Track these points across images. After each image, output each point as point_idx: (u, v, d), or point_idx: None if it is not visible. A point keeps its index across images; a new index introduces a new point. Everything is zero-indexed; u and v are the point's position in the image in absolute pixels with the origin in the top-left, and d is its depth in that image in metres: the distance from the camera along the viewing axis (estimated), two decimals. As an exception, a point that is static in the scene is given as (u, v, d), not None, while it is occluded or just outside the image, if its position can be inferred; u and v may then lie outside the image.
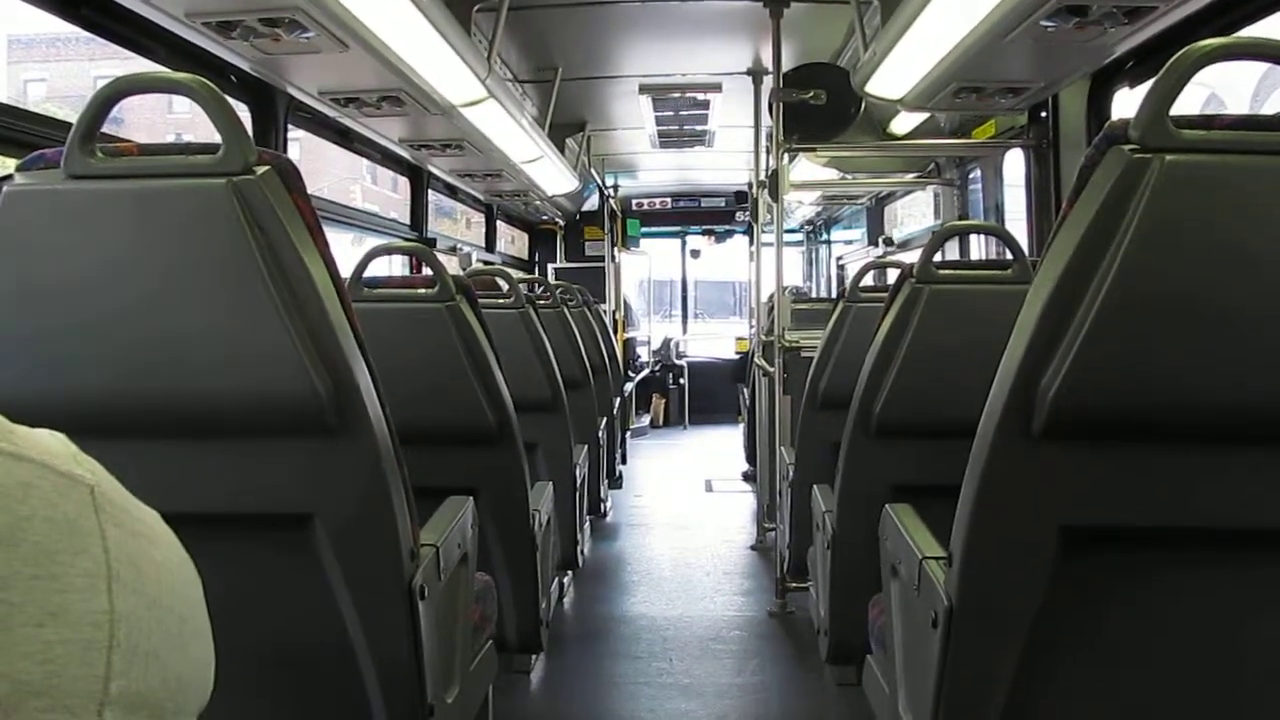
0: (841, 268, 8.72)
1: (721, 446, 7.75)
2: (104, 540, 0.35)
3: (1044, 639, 1.35)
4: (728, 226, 9.85)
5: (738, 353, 9.51)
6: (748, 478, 6.55)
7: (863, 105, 4.10)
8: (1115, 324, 1.18)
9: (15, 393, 1.32)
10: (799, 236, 10.40)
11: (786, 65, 3.87)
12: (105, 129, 1.32)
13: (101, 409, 1.34)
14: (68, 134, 1.28)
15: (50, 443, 0.36)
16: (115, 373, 1.33)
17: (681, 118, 5.83)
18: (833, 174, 5.69)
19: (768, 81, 4.33)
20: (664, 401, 9.85)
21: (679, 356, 10.03)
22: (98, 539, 0.35)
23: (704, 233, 10.11)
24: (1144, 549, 1.34)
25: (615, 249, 8.63)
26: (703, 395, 9.78)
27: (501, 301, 3.22)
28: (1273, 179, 1.15)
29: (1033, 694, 1.38)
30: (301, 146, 4.33)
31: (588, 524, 4.51)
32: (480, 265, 5.42)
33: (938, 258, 2.24)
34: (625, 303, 9.08)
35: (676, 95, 5.33)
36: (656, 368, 9.87)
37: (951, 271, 2.25)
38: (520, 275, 4.78)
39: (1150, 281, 1.17)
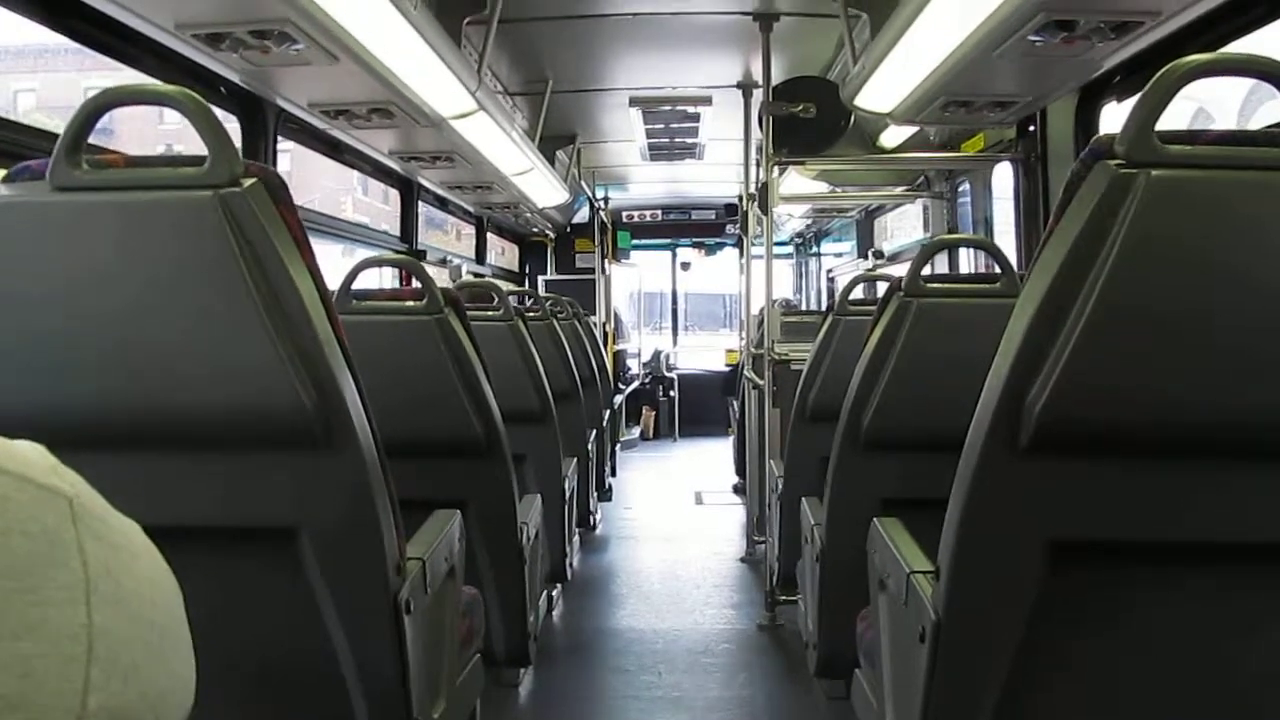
0: (831, 280, 8.73)
1: (711, 459, 7.74)
2: (82, 553, 0.35)
3: (1032, 653, 1.35)
4: (718, 239, 9.87)
5: (728, 365, 9.52)
6: (738, 490, 6.54)
7: (852, 118, 4.12)
8: (1101, 338, 1.19)
9: None
10: (789, 249, 10.42)
11: (776, 78, 3.88)
12: (96, 140, 1.31)
13: (86, 421, 1.33)
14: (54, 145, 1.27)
15: (29, 454, 0.36)
16: (100, 385, 1.32)
17: (672, 130, 5.84)
18: (822, 187, 5.71)
19: (757, 95, 4.35)
20: (654, 414, 9.83)
21: (669, 369, 10.02)
22: (76, 552, 0.35)
23: (694, 245, 10.12)
24: (1131, 563, 1.34)
25: (605, 261, 8.64)
26: (693, 407, 9.77)
27: (491, 314, 3.22)
28: (1258, 194, 1.16)
29: (1021, 709, 1.38)
30: (292, 158, 4.33)
31: (577, 537, 4.50)
32: (470, 277, 5.42)
33: (926, 270, 2.25)
34: (615, 315, 9.08)
35: (667, 108, 5.34)
36: (646, 380, 9.86)
37: (940, 285, 2.26)
38: (510, 287, 4.78)
39: (1136, 296, 1.17)
